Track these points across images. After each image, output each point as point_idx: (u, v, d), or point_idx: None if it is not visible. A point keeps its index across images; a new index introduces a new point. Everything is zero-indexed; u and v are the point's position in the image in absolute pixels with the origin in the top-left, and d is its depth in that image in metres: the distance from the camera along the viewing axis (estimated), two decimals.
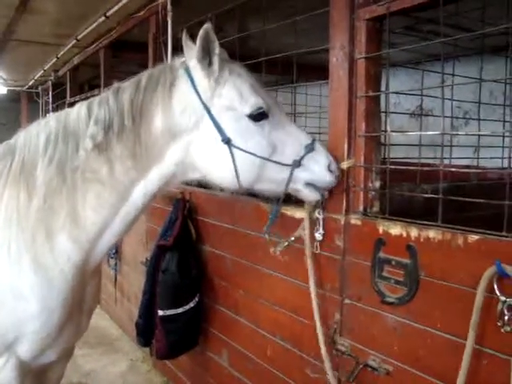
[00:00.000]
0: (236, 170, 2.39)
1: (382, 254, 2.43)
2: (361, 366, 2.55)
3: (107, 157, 2.37)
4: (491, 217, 2.41)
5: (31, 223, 2.34)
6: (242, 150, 2.38)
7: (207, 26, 2.27)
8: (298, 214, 2.90)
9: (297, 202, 2.97)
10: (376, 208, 2.66)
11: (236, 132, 2.39)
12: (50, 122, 2.48)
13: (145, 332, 3.92)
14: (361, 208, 2.63)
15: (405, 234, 2.33)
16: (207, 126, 2.39)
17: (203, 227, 3.86)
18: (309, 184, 2.53)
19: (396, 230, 2.37)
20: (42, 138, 2.43)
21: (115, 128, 2.38)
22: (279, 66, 3.72)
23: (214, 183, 2.60)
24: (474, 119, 3.87)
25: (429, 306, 2.24)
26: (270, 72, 3.55)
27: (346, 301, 2.64)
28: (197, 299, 3.75)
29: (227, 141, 2.37)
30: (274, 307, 3.15)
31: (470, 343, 1.99)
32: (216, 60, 2.36)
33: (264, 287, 3.24)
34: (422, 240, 2.26)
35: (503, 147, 3.84)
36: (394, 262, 2.38)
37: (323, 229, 2.74)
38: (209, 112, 2.38)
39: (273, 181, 2.50)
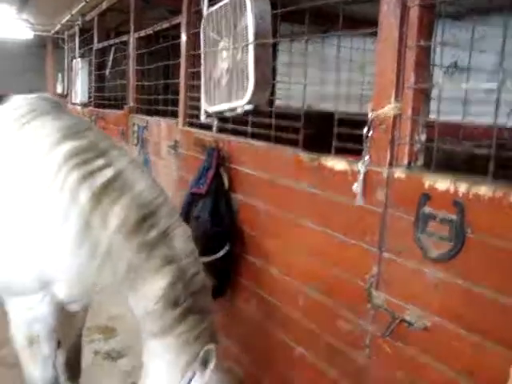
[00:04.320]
0: None
1: (426, 209, 2.37)
2: (397, 321, 2.53)
3: None
4: None
5: None
6: None
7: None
8: (339, 165, 2.85)
9: (337, 152, 2.93)
10: (421, 162, 2.59)
11: None
12: None
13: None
14: (405, 162, 2.57)
15: (452, 190, 2.27)
16: None
17: (236, 176, 3.82)
18: None
19: (443, 184, 2.31)
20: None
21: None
22: (321, 17, 3.60)
23: None
24: None
25: (474, 263, 2.20)
26: (314, 22, 3.44)
27: (385, 255, 2.60)
28: (227, 248, 3.75)
29: None
30: (308, 258, 3.13)
31: None
32: None
33: (298, 238, 3.22)
34: (470, 196, 2.20)
35: None
36: (438, 218, 2.32)
37: (364, 181, 2.69)
38: None
39: None
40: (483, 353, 2.19)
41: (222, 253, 3.70)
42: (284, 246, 3.36)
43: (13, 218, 2.52)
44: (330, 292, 2.99)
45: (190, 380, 2.57)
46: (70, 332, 3.14)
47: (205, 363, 2.55)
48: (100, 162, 2.51)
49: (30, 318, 2.61)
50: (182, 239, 2.62)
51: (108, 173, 2.49)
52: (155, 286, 2.49)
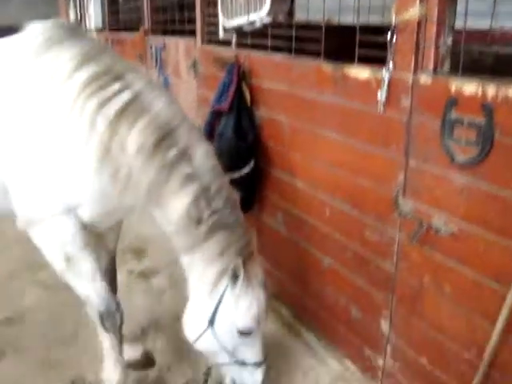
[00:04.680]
0: None
1: (453, 114, 2.33)
2: (424, 227, 2.55)
3: None
4: None
5: None
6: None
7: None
8: (363, 74, 2.79)
9: (359, 60, 2.86)
10: (447, 67, 2.52)
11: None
12: None
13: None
14: (431, 67, 2.49)
15: (480, 93, 2.22)
16: None
17: (258, 91, 3.77)
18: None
19: (471, 88, 2.25)
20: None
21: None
22: None
23: None
24: None
25: (502, 167, 2.17)
26: None
27: (412, 162, 2.59)
28: (252, 164, 3.76)
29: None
30: (333, 169, 3.14)
31: None
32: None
33: (322, 150, 3.22)
34: (499, 99, 2.14)
35: None
36: (466, 122, 2.28)
37: (389, 88, 2.64)
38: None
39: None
40: (510, 256, 2.21)
41: (247, 169, 3.72)
42: (309, 159, 3.36)
43: (35, 147, 2.55)
44: (356, 202, 3.01)
45: (222, 294, 2.67)
46: (104, 252, 3.24)
47: (235, 276, 2.63)
48: (116, 86, 2.50)
49: (59, 242, 2.69)
50: (203, 156, 2.60)
51: (125, 96, 2.48)
52: (178, 205, 2.52)
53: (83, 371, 3.38)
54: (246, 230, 2.78)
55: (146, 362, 3.39)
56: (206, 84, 4.65)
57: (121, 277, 3.50)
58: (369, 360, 3.16)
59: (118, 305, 2.91)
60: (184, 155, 2.51)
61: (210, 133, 3.84)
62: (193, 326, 2.77)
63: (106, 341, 3.00)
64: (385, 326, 2.96)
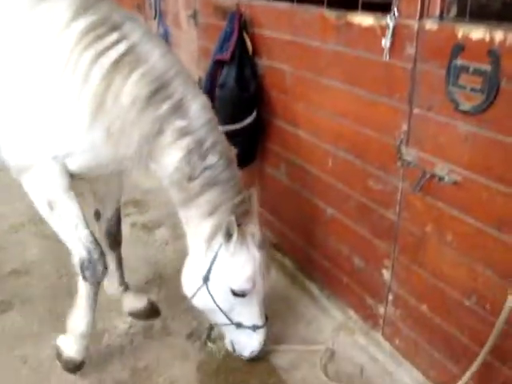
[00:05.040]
0: None
1: (458, 61, 2.28)
2: (427, 176, 2.54)
3: None
4: None
5: None
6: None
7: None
8: (367, 21, 2.73)
9: (363, 7, 2.81)
10: (453, 13, 2.46)
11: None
12: None
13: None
14: (437, 12, 2.43)
15: (488, 39, 2.17)
16: None
17: (260, 40, 3.71)
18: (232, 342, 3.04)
19: (478, 33, 2.20)
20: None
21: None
22: None
23: None
24: None
25: (507, 115, 2.14)
26: None
27: (416, 111, 2.56)
28: (255, 114, 3.73)
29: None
30: (337, 118, 3.11)
31: None
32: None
33: (326, 99, 3.18)
34: (507, 44, 2.10)
35: None
36: (471, 69, 2.24)
37: (393, 36, 2.59)
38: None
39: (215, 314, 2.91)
40: None
41: (249, 119, 3.69)
42: (312, 109, 3.33)
43: (29, 96, 2.51)
44: (359, 152, 3.00)
45: (217, 252, 2.67)
46: (107, 205, 3.24)
47: (229, 235, 2.62)
48: (113, 36, 2.45)
49: (43, 186, 2.66)
50: (198, 110, 2.55)
51: (121, 48, 2.43)
52: (170, 160, 2.51)
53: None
54: (243, 187, 2.75)
55: (151, 312, 3.43)
56: (206, 34, 4.57)
57: (124, 229, 3.51)
58: (370, 309, 3.20)
59: (101, 255, 2.79)
60: (178, 108, 2.48)
61: (211, 83, 3.80)
62: (189, 282, 2.80)
63: (82, 290, 2.88)
64: (387, 274, 2.99)
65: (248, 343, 2.97)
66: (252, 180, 4.26)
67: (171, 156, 2.51)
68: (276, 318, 3.41)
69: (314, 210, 3.51)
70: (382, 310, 3.10)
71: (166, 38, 5.62)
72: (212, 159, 2.56)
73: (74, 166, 2.65)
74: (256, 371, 3.07)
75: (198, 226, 2.68)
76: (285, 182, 3.81)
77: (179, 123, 2.48)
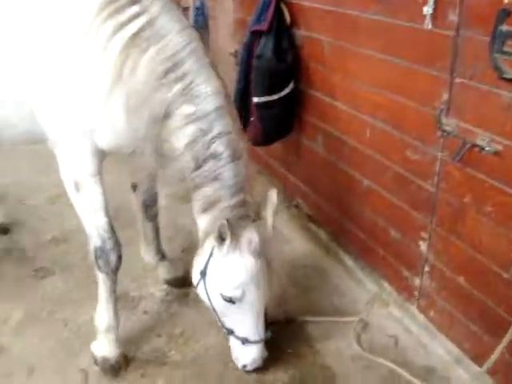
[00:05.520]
0: None
1: (504, 27, 2.22)
2: (467, 146, 2.50)
3: None
4: None
5: None
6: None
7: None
8: None
9: None
10: None
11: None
12: None
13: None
14: None
15: None
16: None
17: (298, 10, 3.69)
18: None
19: None
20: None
21: None
22: None
23: None
24: None
25: None
26: None
27: (457, 80, 2.52)
28: (292, 85, 3.73)
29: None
30: (375, 89, 3.09)
31: None
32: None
33: (364, 69, 3.16)
34: None
35: None
36: None
37: (435, 3, 2.54)
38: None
39: None
40: None
41: (286, 91, 3.69)
42: (350, 79, 3.31)
43: (54, 69, 2.51)
44: (397, 122, 2.97)
45: (212, 250, 2.55)
46: (143, 177, 3.25)
47: (222, 238, 2.45)
48: (133, 9, 2.42)
49: (73, 164, 2.67)
50: (208, 95, 2.42)
51: (140, 21, 2.40)
52: (174, 145, 2.46)
53: (126, 288, 3.50)
54: (249, 188, 2.56)
55: (186, 280, 3.47)
56: (242, 6, 4.56)
57: (160, 200, 3.55)
58: (406, 281, 3.20)
59: (116, 245, 2.79)
60: (188, 92, 2.40)
61: (248, 54, 3.80)
62: (194, 271, 2.72)
63: (99, 280, 2.88)
64: (423, 246, 2.97)
65: (240, 355, 2.81)
66: (289, 152, 4.28)
67: (175, 142, 2.45)
68: (310, 288, 3.45)
69: (350, 182, 3.51)
70: (417, 281, 3.10)
71: (202, 10, 5.62)
72: (216, 149, 2.42)
73: (102, 143, 2.63)
74: (290, 341, 3.09)
75: (198, 219, 2.62)
76: (321, 153, 3.80)
77: (186, 109, 2.40)
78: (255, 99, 3.76)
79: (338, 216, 3.78)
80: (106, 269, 2.81)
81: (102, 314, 2.93)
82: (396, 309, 3.29)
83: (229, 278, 2.53)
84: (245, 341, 2.71)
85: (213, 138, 2.41)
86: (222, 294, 2.57)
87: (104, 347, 2.93)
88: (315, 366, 2.96)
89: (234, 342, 2.79)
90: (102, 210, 2.72)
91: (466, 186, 2.59)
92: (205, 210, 2.52)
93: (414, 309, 3.18)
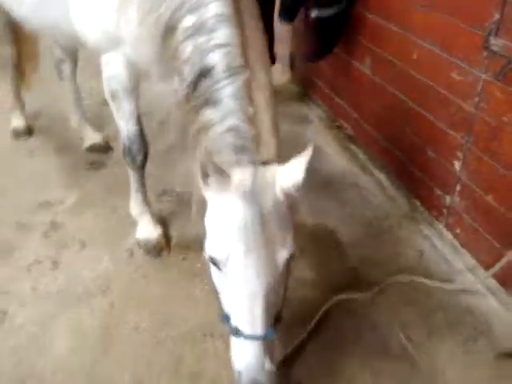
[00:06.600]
0: None
1: None
2: (511, 65, 2.58)
3: None
4: None
5: None
6: None
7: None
8: None
9: None
10: None
11: None
12: None
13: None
14: None
15: None
16: None
17: None
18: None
19: None
20: None
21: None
22: None
23: None
24: None
25: None
26: None
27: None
28: (344, 4, 3.80)
29: None
30: (427, 9, 3.16)
31: None
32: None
33: None
34: None
35: None
36: None
37: None
38: None
39: None
40: None
41: (336, 8, 3.75)
42: (404, 1, 3.37)
43: None
44: (445, 43, 3.04)
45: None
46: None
47: (206, 176, 1.87)
48: None
49: (109, 74, 2.83)
50: (210, 1, 2.06)
51: None
52: (177, 66, 2.21)
53: (173, 185, 3.78)
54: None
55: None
56: None
57: None
58: (437, 199, 3.33)
59: (142, 148, 3.01)
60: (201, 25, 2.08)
61: None
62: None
63: (130, 174, 3.19)
64: (458, 165, 3.09)
65: (234, 355, 2.00)
66: (336, 73, 4.36)
67: (179, 60, 2.15)
68: (345, 202, 3.63)
69: (394, 103, 3.61)
70: (448, 200, 3.23)
71: None
72: (208, 63, 2.01)
73: (131, 55, 2.67)
74: (319, 246, 3.28)
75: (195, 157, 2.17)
76: (368, 74, 3.89)
77: (189, 20, 2.09)
78: (315, 12, 3.84)
79: (378, 137, 3.91)
80: (132, 165, 3.11)
81: (134, 202, 3.28)
82: (425, 226, 3.44)
83: (209, 228, 1.97)
84: (235, 331, 1.95)
85: (207, 51, 2.02)
86: (206, 253, 1.98)
87: (143, 230, 3.27)
88: None
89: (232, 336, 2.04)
90: (132, 120, 2.94)
91: (507, 105, 2.67)
92: (196, 140, 2.01)
93: (442, 227, 3.33)
